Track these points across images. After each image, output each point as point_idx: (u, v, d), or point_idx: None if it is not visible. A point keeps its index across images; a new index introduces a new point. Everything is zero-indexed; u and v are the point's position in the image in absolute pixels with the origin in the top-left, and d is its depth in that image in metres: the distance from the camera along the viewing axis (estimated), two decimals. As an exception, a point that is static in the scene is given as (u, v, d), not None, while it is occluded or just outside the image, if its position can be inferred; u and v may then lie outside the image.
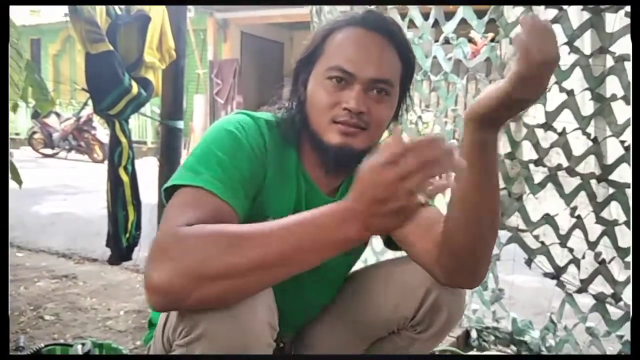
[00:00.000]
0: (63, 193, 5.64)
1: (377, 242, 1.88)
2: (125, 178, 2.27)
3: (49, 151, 9.58)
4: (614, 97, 1.50)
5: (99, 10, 2.11)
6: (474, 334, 1.91)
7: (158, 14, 2.24)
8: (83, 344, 1.44)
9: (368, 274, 1.23)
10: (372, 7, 1.27)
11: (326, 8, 2.19)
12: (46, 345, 1.46)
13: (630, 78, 1.45)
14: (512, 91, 0.77)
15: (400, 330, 1.16)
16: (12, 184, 2.40)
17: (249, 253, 0.74)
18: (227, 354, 0.79)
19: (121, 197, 2.27)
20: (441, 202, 1.01)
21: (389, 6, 1.93)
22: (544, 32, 0.75)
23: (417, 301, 1.11)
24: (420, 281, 1.09)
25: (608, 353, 1.66)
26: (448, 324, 1.13)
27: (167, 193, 0.90)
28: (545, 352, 1.81)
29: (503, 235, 1.81)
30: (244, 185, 0.92)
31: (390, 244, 1.17)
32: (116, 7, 2.19)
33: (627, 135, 1.47)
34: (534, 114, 1.73)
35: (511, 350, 1.88)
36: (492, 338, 1.89)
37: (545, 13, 1.59)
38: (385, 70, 1.00)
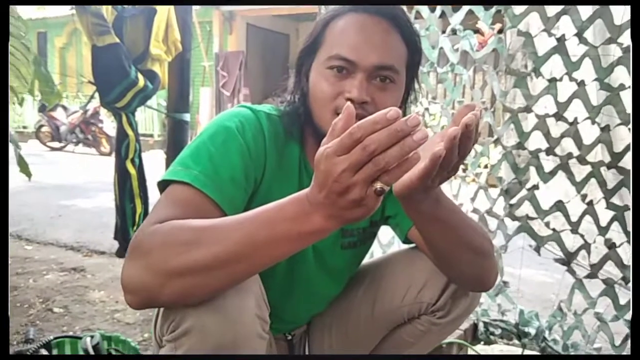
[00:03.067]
0: (71, 186, 5.67)
1: (383, 235, 1.88)
2: (132, 171, 2.28)
3: (56, 144, 9.65)
4: (622, 87, 1.51)
5: (105, 3, 2.11)
6: (481, 327, 1.91)
7: (164, 6, 2.24)
8: (92, 336, 1.45)
9: (388, 263, 1.22)
10: None
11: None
12: (55, 338, 1.47)
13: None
14: (431, 170, 0.73)
15: (421, 315, 1.16)
16: (21, 177, 2.42)
17: (208, 249, 0.72)
18: (227, 354, 0.78)
19: (129, 190, 2.28)
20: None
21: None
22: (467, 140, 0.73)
23: (440, 286, 1.11)
24: None
25: (615, 337, 1.67)
26: (468, 309, 1.15)
27: (161, 187, 0.90)
28: (550, 341, 1.81)
29: (511, 226, 1.81)
30: (235, 181, 0.90)
31: (407, 241, 1.17)
32: (122, -1, 2.19)
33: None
34: (545, 104, 1.73)
35: (516, 342, 1.88)
36: (499, 331, 1.89)
37: (554, 5, 1.58)
38: (389, 56, 0.94)
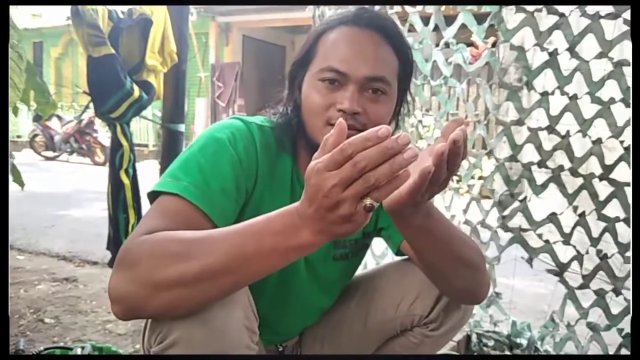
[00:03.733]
0: (64, 196, 5.64)
1: (376, 246, 1.88)
2: (126, 181, 2.27)
3: (50, 154, 9.62)
4: (612, 101, 1.54)
5: (101, 14, 2.11)
6: (474, 338, 1.91)
7: (160, 17, 2.25)
8: (83, 347, 1.45)
9: (380, 275, 1.22)
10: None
11: (328, 13, 2.20)
12: (46, 349, 1.46)
13: (629, 82, 1.47)
14: (421, 185, 0.73)
15: (414, 327, 1.16)
16: (14, 186, 2.41)
17: (196, 261, 0.72)
18: (227, 354, 0.79)
19: (122, 200, 2.28)
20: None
21: (389, 11, 1.94)
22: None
23: (433, 299, 1.12)
24: None
25: (608, 346, 1.67)
26: (460, 322, 1.15)
27: (151, 198, 0.90)
28: (542, 352, 1.81)
29: (504, 237, 1.81)
30: (225, 192, 0.90)
31: (400, 254, 1.17)
32: (118, 10, 2.20)
33: (626, 136, 1.50)
34: (537, 118, 1.75)
35: (508, 354, 1.88)
36: (492, 342, 1.89)
37: (547, 19, 1.60)
38: (380, 68, 0.95)
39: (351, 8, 1.00)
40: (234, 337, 0.80)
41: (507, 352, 1.87)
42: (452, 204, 2.02)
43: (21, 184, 2.18)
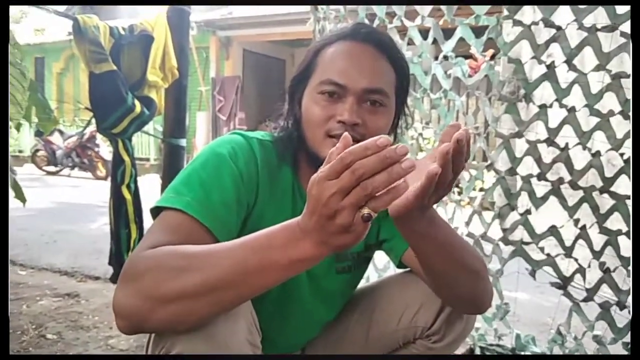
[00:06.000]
0: (66, 211, 5.65)
1: (378, 259, 1.88)
2: (128, 196, 2.28)
3: (52, 168, 9.64)
4: (611, 113, 1.53)
5: (103, 31, 2.13)
6: (478, 352, 1.90)
7: (161, 33, 2.27)
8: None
9: (382, 287, 1.22)
10: (366, 21, 1.29)
11: (328, 28, 2.22)
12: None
13: (627, 94, 1.48)
14: (428, 188, 0.74)
15: (416, 340, 1.16)
16: (15, 202, 2.42)
17: (199, 275, 0.73)
18: (226, 354, 0.79)
19: (124, 215, 2.28)
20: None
21: (389, 25, 1.96)
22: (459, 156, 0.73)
23: (435, 310, 1.12)
24: None
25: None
26: (462, 334, 1.14)
27: (154, 214, 0.91)
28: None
29: (506, 250, 1.81)
30: (227, 206, 0.91)
31: (402, 267, 1.18)
32: (119, 27, 2.22)
33: (626, 148, 1.50)
34: (536, 131, 1.75)
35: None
36: (495, 355, 1.88)
37: (543, 33, 1.61)
38: (378, 80, 0.98)
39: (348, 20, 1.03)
40: (237, 351, 0.80)
41: None
42: (454, 217, 2.02)
43: (23, 200, 2.18)
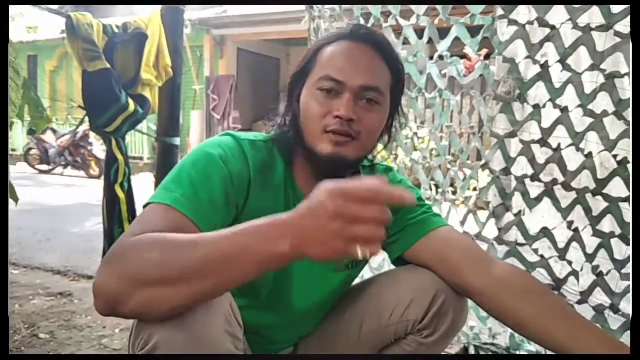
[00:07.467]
0: (59, 210, 5.62)
1: (375, 258, 1.87)
2: (121, 195, 2.27)
3: (45, 167, 9.58)
4: (605, 113, 1.52)
5: (96, 29, 2.12)
6: (472, 351, 1.90)
7: (155, 31, 2.26)
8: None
9: (374, 283, 1.22)
10: (363, 22, 1.30)
11: (323, 27, 2.21)
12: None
13: (621, 95, 1.48)
14: None
15: (408, 335, 1.16)
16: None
17: (179, 261, 0.75)
18: (225, 354, 0.80)
19: (117, 214, 2.27)
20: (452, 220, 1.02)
21: (384, 24, 1.96)
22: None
23: (426, 304, 1.12)
24: (429, 284, 1.10)
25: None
26: (452, 329, 1.14)
27: None
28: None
29: (501, 250, 1.81)
30: (215, 204, 0.93)
31: (398, 263, 1.18)
32: (113, 25, 2.21)
33: (619, 150, 1.50)
34: (530, 131, 1.75)
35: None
36: (490, 354, 1.89)
37: (538, 32, 1.61)
38: (374, 79, 1.02)
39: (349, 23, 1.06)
40: (215, 342, 0.82)
41: None
42: (449, 216, 2.02)
43: (15, 199, 2.17)
